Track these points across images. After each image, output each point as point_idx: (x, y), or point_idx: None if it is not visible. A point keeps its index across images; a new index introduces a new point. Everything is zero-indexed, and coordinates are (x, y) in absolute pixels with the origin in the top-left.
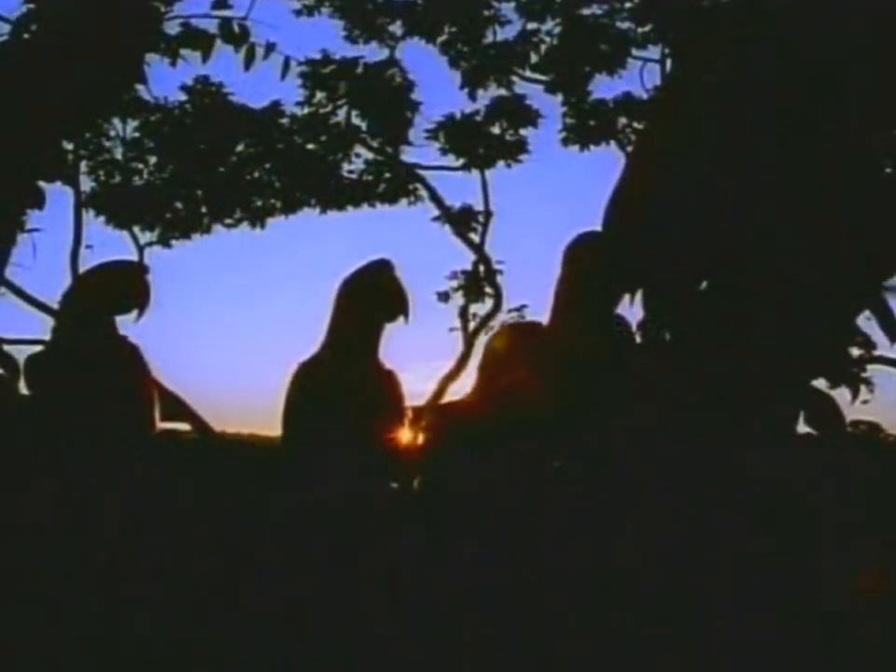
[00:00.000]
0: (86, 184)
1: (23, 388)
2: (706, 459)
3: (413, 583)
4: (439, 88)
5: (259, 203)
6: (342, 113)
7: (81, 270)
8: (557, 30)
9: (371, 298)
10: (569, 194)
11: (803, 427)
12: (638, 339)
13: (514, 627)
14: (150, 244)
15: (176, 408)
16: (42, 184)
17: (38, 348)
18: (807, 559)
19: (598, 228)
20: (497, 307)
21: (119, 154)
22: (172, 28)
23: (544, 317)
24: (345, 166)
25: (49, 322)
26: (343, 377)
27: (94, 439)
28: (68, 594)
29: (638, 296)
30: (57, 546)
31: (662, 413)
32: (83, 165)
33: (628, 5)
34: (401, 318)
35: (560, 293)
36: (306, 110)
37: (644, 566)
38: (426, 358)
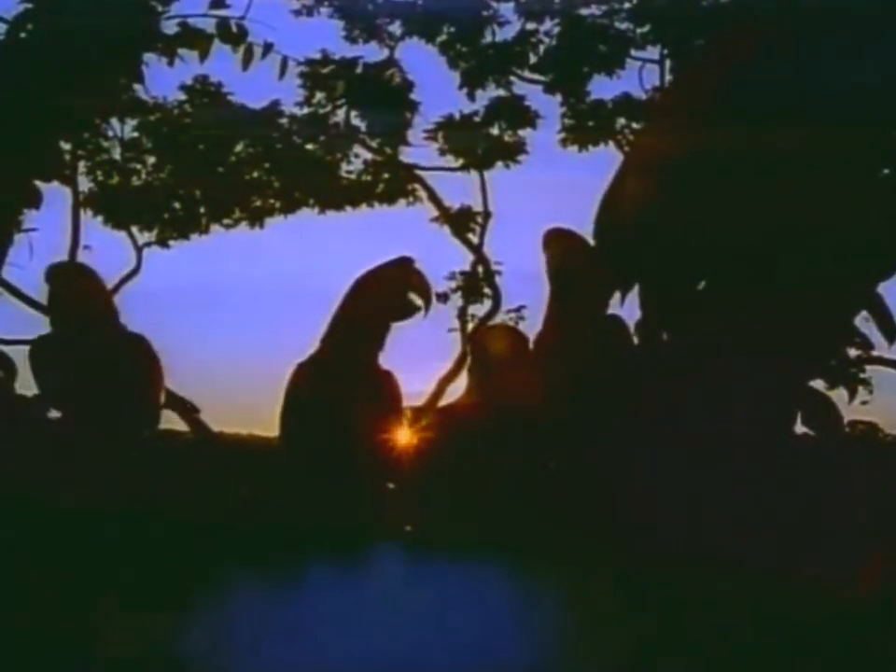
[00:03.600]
0: (84, 184)
1: (19, 388)
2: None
3: None
4: (438, 88)
5: (258, 204)
6: (341, 113)
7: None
8: (556, 30)
9: (396, 295)
10: (568, 195)
11: (801, 428)
12: (636, 340)
13: None
14: (148, 244)
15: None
16: (39, 184)
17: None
18: None
19: (591, 227)
20: (495, 308)
21: (117, 154)
22: (169, 28)
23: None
24: (344, 166)
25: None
26: (340, 378)
27: (98, 431)
28: (65, 584)
29: (635, 297)
30: (58, 534)
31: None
32: (81, 165)
33: (627, 5)
34: (418, 316)
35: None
36: (305, 110)
37: None
38: (424, 359)
